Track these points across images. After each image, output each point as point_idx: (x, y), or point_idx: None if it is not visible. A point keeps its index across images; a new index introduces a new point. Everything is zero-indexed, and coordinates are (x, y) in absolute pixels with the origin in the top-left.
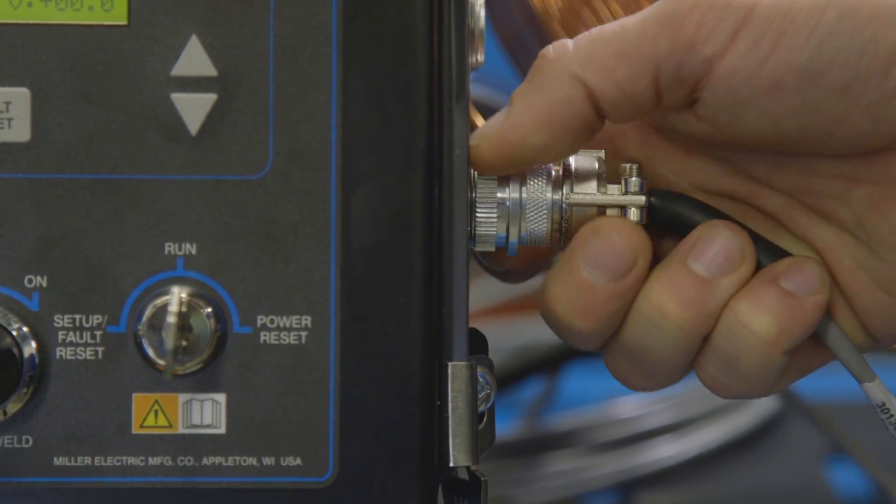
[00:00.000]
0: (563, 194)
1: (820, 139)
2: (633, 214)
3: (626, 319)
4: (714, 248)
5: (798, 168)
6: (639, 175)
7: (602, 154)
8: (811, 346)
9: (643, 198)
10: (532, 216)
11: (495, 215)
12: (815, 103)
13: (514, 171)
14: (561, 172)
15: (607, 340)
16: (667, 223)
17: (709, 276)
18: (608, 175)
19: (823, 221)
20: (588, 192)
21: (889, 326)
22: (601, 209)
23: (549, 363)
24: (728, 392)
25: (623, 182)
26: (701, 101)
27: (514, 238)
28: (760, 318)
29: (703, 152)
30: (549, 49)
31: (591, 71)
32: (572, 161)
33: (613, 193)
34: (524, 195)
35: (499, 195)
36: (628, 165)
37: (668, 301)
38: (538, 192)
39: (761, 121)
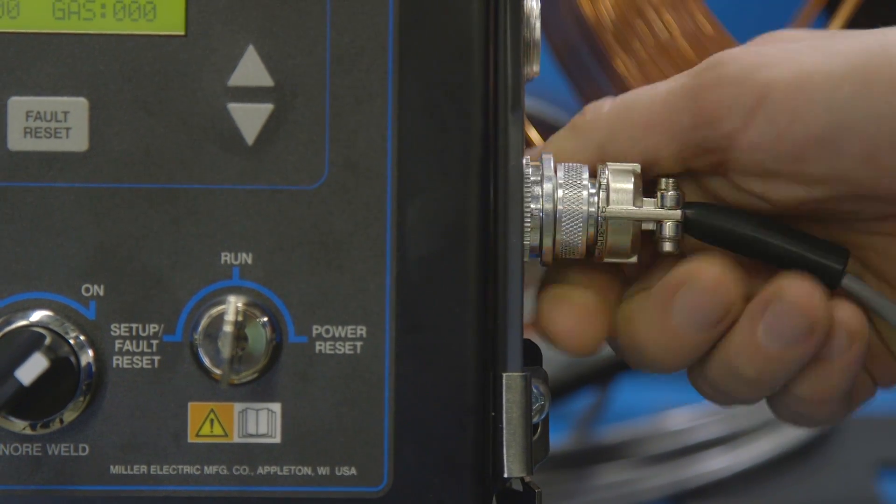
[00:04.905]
0: (598, 207)
1: (855, 202)
2: (669, 228)
3: (709, 362)
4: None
5: (842, 225)
6: (675, 189)
7: (638, 168)
8: None
9: (679, 212)
10: (567, 227)
11: (528, 226)
12: (841, 172)
13: None
14: (597, 185)
15: (693, 370)
16: (705, 235)
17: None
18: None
19: (868, 273)
20: (624, 205)
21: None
22: (637, 222)
23: (600, 375)
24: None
25: (659, 196)
26: (730, 170)
27: (547, 248)
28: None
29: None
30: (587, 110)
31: (617, 142)
32: (608, 174)
33: (650, 207)
34: (559, 206)
35: (532, 206)
36: (664, 180)
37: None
38: (574, 204)
39: (792, 187)
